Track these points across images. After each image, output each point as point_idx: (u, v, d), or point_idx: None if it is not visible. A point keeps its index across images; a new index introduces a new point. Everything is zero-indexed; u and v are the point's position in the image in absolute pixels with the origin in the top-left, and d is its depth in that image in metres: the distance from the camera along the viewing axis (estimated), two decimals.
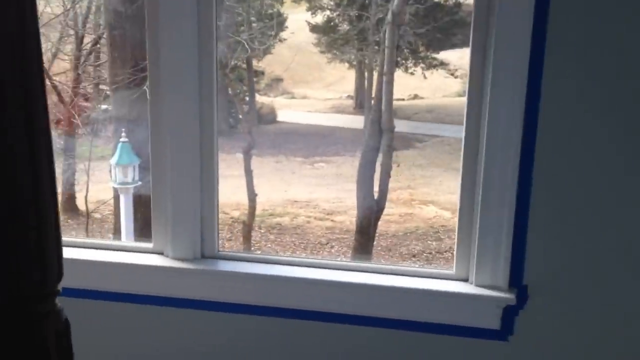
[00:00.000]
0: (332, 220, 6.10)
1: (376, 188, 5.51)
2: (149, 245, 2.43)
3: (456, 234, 2.26)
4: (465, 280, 2.26)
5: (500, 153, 2.12)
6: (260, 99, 6.49)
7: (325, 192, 6.26)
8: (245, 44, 5.12)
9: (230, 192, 5.94)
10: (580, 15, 2.05)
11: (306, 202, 6.26)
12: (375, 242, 5.75)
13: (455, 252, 2.28)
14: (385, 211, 5.69)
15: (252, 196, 5.48)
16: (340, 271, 2.34)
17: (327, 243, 5.96)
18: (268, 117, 6.61)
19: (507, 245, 2.17)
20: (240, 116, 5.91)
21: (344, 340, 2.37)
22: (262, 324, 2.37)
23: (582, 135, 2.12)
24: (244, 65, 6.08)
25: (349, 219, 5.92)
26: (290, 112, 6.77)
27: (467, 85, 2.20)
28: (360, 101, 6.34)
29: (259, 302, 2.34)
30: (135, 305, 2.42)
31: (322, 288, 2.32)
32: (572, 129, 2.12)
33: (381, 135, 5.12)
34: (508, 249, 2.18)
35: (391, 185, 5.64)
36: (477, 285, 2.22)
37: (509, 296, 2.19)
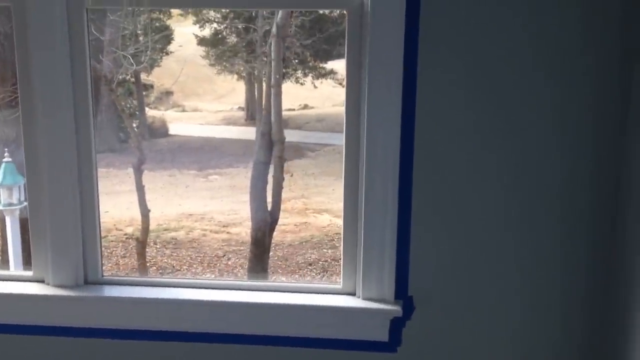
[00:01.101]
0: (227, 233, 6.03)
1: (270, 199, 5.47)
2: (29, 273, 2.33)
3: (342, 248, 2.26)
4: (353, 294, 2.27)
5: (380, 164, 2.14)
6: (150, 112, 6.36)
7: (219, 204, 6.19)
8: (131, 58, 4.99)
9: (124, 208, 5.79)
10: (452, 19, 2.09)
11: (201, 215, 6.18)
12: (271, 253, 5.73)
13: (342, 267, 2.28)
14: (281, 221, 5.67)
15: (144, 212, 5.35)
16: (230, 291, 2.31)
17: (224, 255, 5.90)
18: (159, 131, 6.48)
19: (391, 258, 2.19)
20: (130, 131, 5.76)
21: None
22: (152, 348, 2.31)
23: (458, 143, 2.17)
24: (133, 79, 5.95)
25: (245, 230, 5.87)
26: (182, 125, 6.67)
27: (345, 94, 2.21)
28: (251, 112, 6.29)
29: (147, 327, 2.28)
30: (18, 337, 2.32)
31: (212, 309, 2.28)
32: (448, 139, 2.16)
33: (272, 147, 5.09)
34: (392, 262, 2.19)
35: (285, 195, 5.63)
36: (364, 299, 2.23)
37: (395, 308, 2.20)
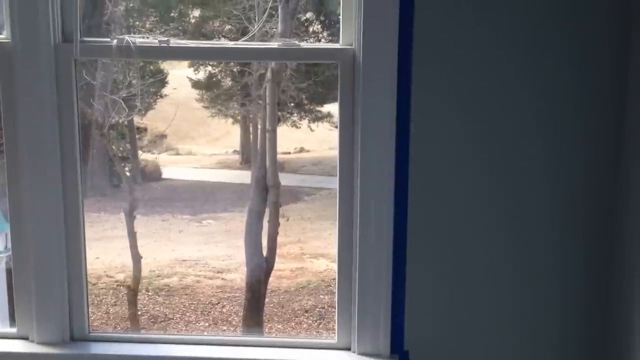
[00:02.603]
0: (222, 279, 5.98)
1: (265, 244, 5.43)
2: (13, 330, 2.29)
3: (336, 302, 2.24)
4: (348, 348, 2.24)
5: (374, 212, 2.13)
6: (144, 156, 6.33)
7: (214, 249, 6.15)
8: (123, 103, 4.99)
9: (115, 254, 5.75)
10: (445, 56, 2.11)
11: (195, 261, 6.13)
12: (267, 299, 5.68)
13: (336, 321, 2.25)
14: (277, 266, 5.64)
15: (136, 258, 5.29)
16: (222, 347, 2.27)
17: (218, 303, 5.84)
18: (153, 174, 6.45)
19: (386, 312, 2.17)
20: (122, 175, 5.73)
21: None
22: None
23: (454, 187, 2.17)
24: (126, 123, 5.93)
25: (240, 276, 5.82)
26: (175, 168, 6.64)
27: (337, 139, 2.20)
28: (246, 156, 6.28)
29: None
30: None
31: None
32: (443, 183, 2.16)
33: (267, 192, 5.08)
34: (387, 315, 2.17)
35: (281, 240, 5.59)
36: (360, 354, 2.20)
37: None
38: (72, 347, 2.22)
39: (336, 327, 2.24)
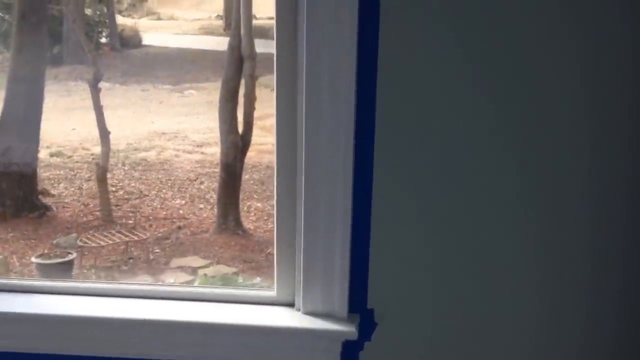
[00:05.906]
0: (202, 153, 5.49)
1: (241, 120, 4.79)
2: None
3: (275, 241, 1.53)
4: (292, 304, 1.54)
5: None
6: (122, 20, 5.68)
7: (195, 122, 5.61)
8: None
9: (93, 125, 5.16)
10: None
11: (174, 133, 5.60)
12: (247, 176, 5.12)
13: (275, 266, 1.55)
14: (259, 140, 5.06)
15: (104, 133, 4.63)
16: (121, 300, 1.58)
17: (196, 179, 5.35)
18: (132, 40, 5.80)
19: (344, 256, 1.46)
20: (83, 42, 4.99)
21: None
22: None
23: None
24: None
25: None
26: (156, 34, 6.02)
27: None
28: (230, 21, 5.60)
29: None
30: None
31: (94, 327, 1.57)
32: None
33: (242, 63, 4.35)
34: (345, 260, 1.47)
35: (264, 112, 4.97)
36: (306, 313, 1.51)
37: (346, 329, 1.48)
38: None
39: (275, 275, 1.54)
